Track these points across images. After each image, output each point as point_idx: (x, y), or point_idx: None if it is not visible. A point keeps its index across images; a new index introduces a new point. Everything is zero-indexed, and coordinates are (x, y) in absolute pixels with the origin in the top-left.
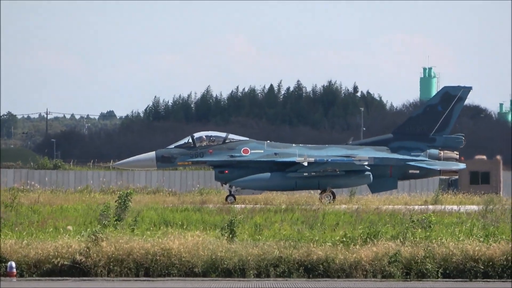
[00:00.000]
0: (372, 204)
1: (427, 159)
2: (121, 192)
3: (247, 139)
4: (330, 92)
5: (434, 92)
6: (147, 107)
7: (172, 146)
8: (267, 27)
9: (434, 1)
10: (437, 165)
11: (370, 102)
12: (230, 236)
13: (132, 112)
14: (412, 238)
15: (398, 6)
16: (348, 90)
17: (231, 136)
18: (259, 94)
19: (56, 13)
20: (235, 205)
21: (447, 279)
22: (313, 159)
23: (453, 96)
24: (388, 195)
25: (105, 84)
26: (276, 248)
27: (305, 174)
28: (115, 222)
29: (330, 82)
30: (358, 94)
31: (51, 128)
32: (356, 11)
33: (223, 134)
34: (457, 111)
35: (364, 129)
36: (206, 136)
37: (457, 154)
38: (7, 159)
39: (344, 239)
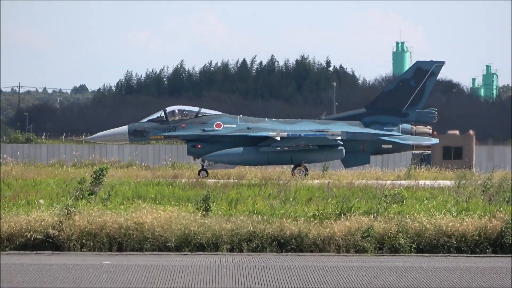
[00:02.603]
0: (345, 179)
1: (400, 134)
2: (96, 167)
3: (220, 113)
4: (302, 67)
5: (407, 66)
6: (119, 81)
7: (145, 120)
8: (240, 2)
9: None
10: (410, 140)
11: (343, 77)
12: (205, 211)
13: (104, 86)
14: (385, 213)
15: None
16: (321, 64)
17: (203, 110)
18: (232, 69)
19: None
20: (208, 180)
21: (420, 254)
22: (286, 133)
23: (425, 71)
24: (361, 170)
25: (77, 58)
26: (249, 223)
27: (278, 148)
28: (88, 196)
29: (302, 56)
30: (331, 68)
31: (23, 102)
32: None
33: (196, 109)
34: (430, 86)
35: (337, 104)
36: (178, 110)
37: (430, 129)
38: None
39: (317, 213)
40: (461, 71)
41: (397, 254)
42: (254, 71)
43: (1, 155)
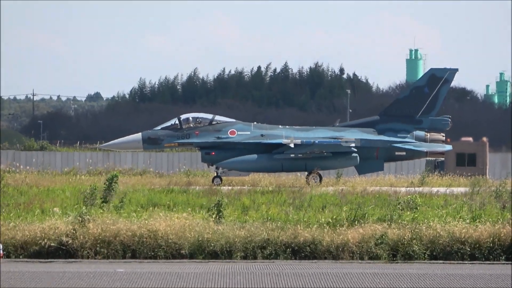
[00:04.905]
0: (358, 186)
1: (413, 141)
2: (109, 175)
3: (234, 120)
4: (316, 74)
5: (420, 74)
6: (132, 89)
7: (159, 127)
8: (254, 9)
9: None
10: (424, 147)
11: (357, 84)
12: (217, 217)
13: (118, 93)
14: (399, 220)
15: None
16: (334, 72)
17: (217, 117)
18: (246, 76)
19: None
20: (222, 187)
21: (434, 261)
22: (299, 141)
23: (439, 78)
24: (374, 176)
25: (91, 65)
26: (263, 230)
27: (291, 155)
28: (102, 204)
29: (316, 64)
30: (345, 76)
31: (38, 110)
32: None
33: (210, 116)
34: (444, 93)
35: (351, 111)
36: (192, 117)
37: (443, 136)
38: None
39: (331, 220)
40: (474, 78)
41: (411, 261)
42: (268, 79)
43: (15, 163)
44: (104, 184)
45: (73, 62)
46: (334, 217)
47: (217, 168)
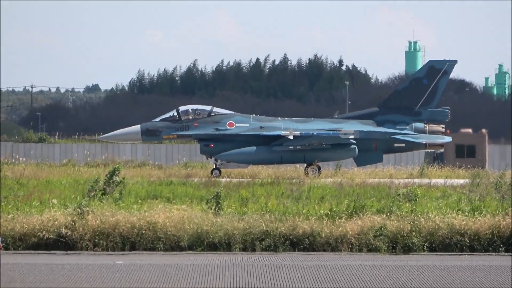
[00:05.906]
0: (357, 178)
1: (412, 132)
2: (110, 168)
3: (232, 112)
4: (315, 66)
5: (419, 65)
6: (131, 80)
7: (157, 119)
8: (253, 2)
9: None
10: (423, 139)
11: (356, 76)
12: (216, 209)
13: (117, 85)
14: (398, 211)
15: None
16: (333, 63)
17: (216, 109)
18: (244, 68)
19: None
20: (221, 179)
21: (433, 253)
22: (298, 132)
23: (438, 69)
24: (373, 168)
25: (90, 57)
26: (262, 222)
27: (290, 147)
28: (101, 196)
29: (315, 55)
30: (344, 67)
31: (36, 102)
32: None
33: (208, 108)
34: (443, 84)
35: (350, 102)
36: (191, 109)
37: (442, 128)
38: None
39: (329, 212)
40: (474, 70)
41: (410, 253)
42: (267, 70)
43: (13, 155)
44: (106, 176)
45: (72, 54)
46: (333, 209)
47: (216, 160)
